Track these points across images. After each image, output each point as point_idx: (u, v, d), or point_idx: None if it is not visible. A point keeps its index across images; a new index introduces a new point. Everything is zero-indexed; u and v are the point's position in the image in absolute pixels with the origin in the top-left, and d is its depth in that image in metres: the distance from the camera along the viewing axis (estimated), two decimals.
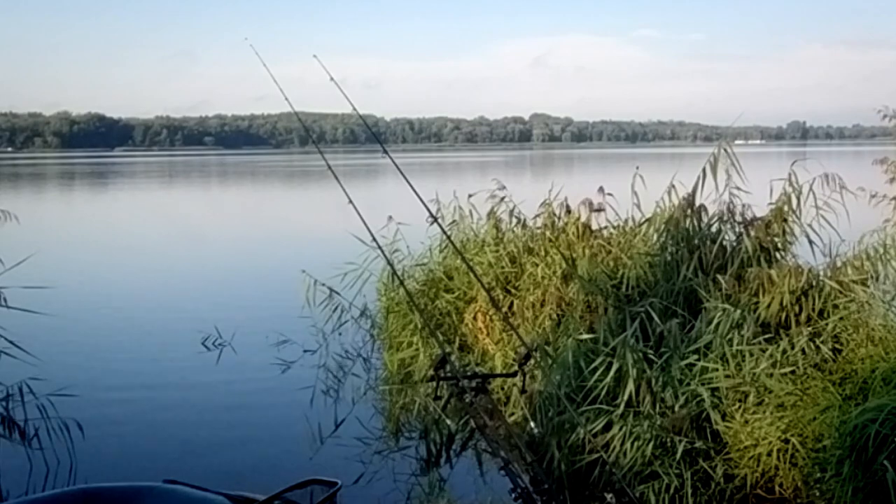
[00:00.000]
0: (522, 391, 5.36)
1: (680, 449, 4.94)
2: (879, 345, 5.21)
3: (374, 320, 8.85)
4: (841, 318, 5.53)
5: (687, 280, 6.22)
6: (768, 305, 5.63)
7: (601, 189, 7.95)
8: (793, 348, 5.35)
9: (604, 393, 5.32)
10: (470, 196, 8.96)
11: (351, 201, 6.08)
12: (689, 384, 5.26)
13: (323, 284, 8.58)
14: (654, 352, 5.58)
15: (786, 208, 6.32)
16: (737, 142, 10.53)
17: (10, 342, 6.20)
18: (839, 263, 6.08)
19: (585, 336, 5.98)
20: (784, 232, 6.32)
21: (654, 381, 5.26)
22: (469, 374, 5.08)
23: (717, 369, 5.27)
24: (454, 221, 8.83)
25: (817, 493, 4.77)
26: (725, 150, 6.48)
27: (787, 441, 4.87)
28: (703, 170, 6.50)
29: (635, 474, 4.91)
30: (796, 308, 5.63)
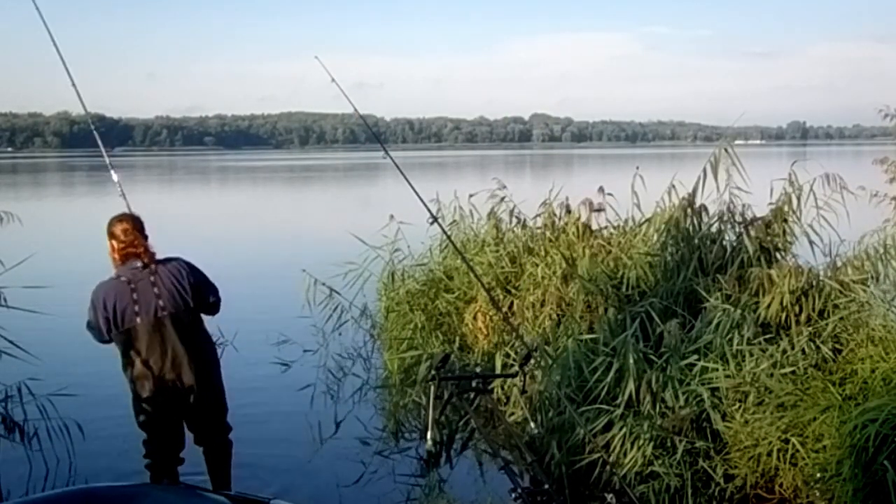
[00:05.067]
0: (522, 391, 5.37)
1: (680, 449, 4.94)
2: (879, 345, 5.21)
3: (375, 320, 8.85)
4: (841, 319, 5.53)
5: (687, 280, 6.22)
6: (768, 305, 5.63)
7: (601, 189, 7.95)
8: (793, 348, 5.35)
9: (604, 393, 5.33)
10: (471, 196, 8.96)
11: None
12: (689, 384, 5.26)
13: (323, 284, 8.58)
14: (654, 352, 5.58)
15: (786, 208, 6.32)
16: (737, 142, 10.50)
17: (10, 342, 6.19)
18: (839, 263, 6.07)
19: (585, 336, 5.99)
20: (784, 232, 6.32)
21: (654, 381, 5.26)
22: (469, 374, 5.11)
23: (717, 369, 5.27)
24: (454, 221, 8.84)
25: (817, 493, 4.77)
26: (726, 150, 6.47)
27: (787, 441, 4.87)
28: (704, 170, 6.50)
29: (635, 474, 4.92)
30: (796, 308, 5.63)
